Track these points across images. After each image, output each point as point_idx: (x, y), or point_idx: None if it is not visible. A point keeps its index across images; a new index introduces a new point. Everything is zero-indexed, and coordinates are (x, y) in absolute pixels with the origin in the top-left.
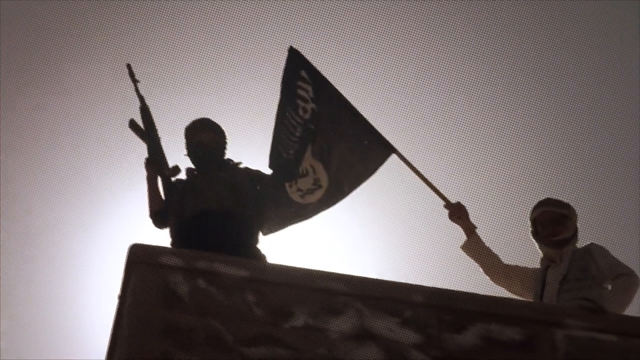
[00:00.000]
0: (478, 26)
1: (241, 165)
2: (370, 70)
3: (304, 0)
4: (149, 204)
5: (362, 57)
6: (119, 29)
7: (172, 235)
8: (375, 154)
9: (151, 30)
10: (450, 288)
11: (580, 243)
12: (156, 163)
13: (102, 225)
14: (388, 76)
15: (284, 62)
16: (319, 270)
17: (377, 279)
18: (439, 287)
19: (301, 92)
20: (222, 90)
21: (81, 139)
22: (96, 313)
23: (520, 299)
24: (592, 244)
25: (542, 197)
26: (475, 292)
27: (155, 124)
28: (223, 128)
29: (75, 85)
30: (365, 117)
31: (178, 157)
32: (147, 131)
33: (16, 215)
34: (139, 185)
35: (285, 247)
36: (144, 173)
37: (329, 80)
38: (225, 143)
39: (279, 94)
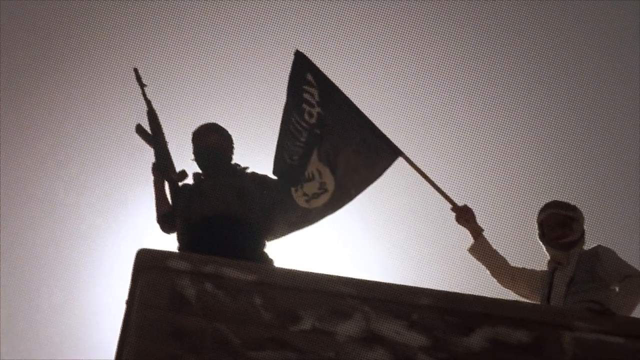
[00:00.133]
0: (480, 27)
1: (248, 170)
2: (372, 71)
3: (309, 2)
4: (156, 208)
5: (364, 58)
6: (127, 34)
7: (179, 239)
8: (381, 157)
9: (158, 35)
10: (457, 291)
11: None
12: (163, 167)
13: (109, 230)
14: (390, 77)
15: (290, 66)
16: (326, 274)
17: (384, 282)
18: (445, 290)
19: (307, 96)
20: (229, 94)
21: (88, 143)
22: (104, 318)
23: (528, 301)
24: (599, 246)
25: (548, 199)
26: (482, 294)
27: (162, 129)
28: (230, 133)
29: (82, 90)
30: (370, 119)
31: (185, 161)
32: (154, 136)
33: (22, 221)
34: (146, 190)
35: (290, 250)
36: (151, 178)
37: (333, 81)
38: (231, 147)
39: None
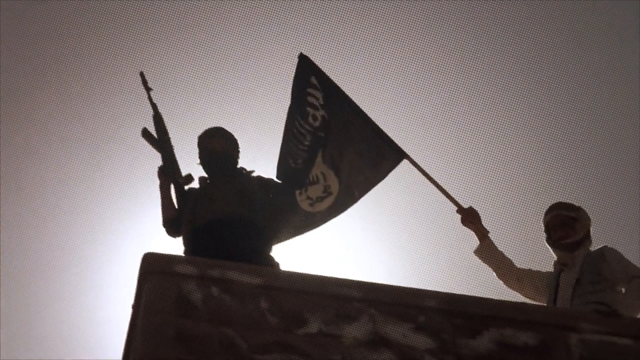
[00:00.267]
0: (481, 28)
1: (254, 174)
2: (374, 72)
3: (312, 5)
4: (162, 212)
5: (366, 59)
6: (133, 38)
7: (185, 243)
8: (385, 159)
9: (164, 39)
10: (463, 293)
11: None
12: (169, 171)
13: (115, 234)
14: (393, 78)
15: (294, 69)
16: (332, 277)
17: (390, 285)
18: (452, 292)
19: (311, 100)
20: (235, 98)
21: (94, 147)
22: (111, 323)
23: (534, 303)
24: (605, 247)
25: (549, 199)
26: (488, 296)
27: (168, 132)
28: (236, 136)
29: (89, 94)
30: (373, 120)
31: (191, 165)
32: (160, 140)
33: (28, 225)
34: (152, 194)
35: (294, 253)
36: (157, 181)
37: (337, 83)
38: (237, 151)
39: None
